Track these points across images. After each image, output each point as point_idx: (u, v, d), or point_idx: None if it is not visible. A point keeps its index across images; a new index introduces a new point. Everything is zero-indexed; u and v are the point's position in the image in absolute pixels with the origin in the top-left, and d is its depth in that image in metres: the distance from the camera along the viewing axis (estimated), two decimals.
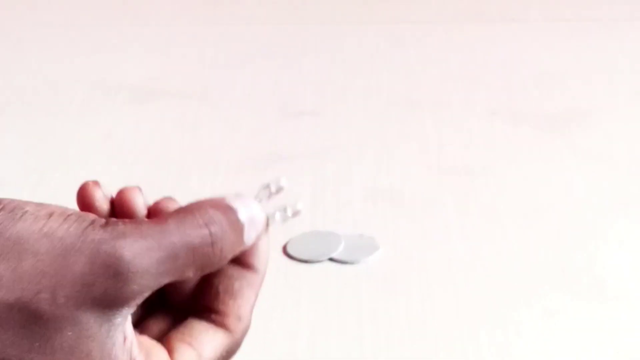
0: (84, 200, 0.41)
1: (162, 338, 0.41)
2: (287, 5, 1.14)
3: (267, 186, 0.43)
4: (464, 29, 1.07)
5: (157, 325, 0.41)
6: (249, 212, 0.41)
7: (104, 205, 0.41)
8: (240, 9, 1.13)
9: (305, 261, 0.66)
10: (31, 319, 0.34)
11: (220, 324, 0.41)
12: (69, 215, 0.37)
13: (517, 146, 0.82)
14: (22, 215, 0.36)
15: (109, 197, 0.42)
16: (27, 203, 0.37)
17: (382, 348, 0.58)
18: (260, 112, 0.88)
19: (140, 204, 0.41)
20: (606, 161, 0.79)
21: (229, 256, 0.40)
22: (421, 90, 0.92)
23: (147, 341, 0.40)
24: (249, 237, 0.41)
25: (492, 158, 0.80)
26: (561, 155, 0.80)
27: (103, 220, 0.37)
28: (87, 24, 1.11)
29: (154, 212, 0.41)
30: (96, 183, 0.41)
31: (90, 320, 0.35)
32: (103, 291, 0.35)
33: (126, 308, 0.36)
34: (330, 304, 0.62)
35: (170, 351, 0.40)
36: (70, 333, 0.35)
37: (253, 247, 0.42)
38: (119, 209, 0.41)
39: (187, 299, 0.42)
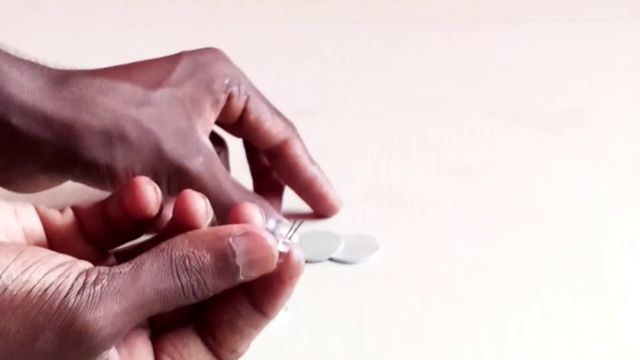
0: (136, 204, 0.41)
1: (157, 334, 0.41)
2: (287, 5, 1.14)
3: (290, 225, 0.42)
4: (464, 29, 1.07)
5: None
6: (252, 254, 0.38)
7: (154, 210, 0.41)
8: (240, 9, 1.13)
9: (305, 261, 0.66)
10: None
11: (214, 351, 0.40)
12: (49, 286, 0.35)
13: (517, 146, 0.82)
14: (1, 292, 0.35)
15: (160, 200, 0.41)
16: (6, 262, 0.36)
17: (382, 348, 0.58)
18: None
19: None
20: (606, 161, 0.79)
21: (211, 294, 0.38)
22: (421, 90, 0.92)
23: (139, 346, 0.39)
24: (246, 276, 0.38)
25: (492, 158, 0.80)
26: (561, 155, 0.80)
27: (82, 281, 0.35)
28: (87, 24, 1.11)
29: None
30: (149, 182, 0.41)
31: None
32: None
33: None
34: (330, 304, 0.62)
35: (157, 357, 0.40)
36: None
37: (271, 292, 0.40)
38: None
39: (194, 306, 0.40)
